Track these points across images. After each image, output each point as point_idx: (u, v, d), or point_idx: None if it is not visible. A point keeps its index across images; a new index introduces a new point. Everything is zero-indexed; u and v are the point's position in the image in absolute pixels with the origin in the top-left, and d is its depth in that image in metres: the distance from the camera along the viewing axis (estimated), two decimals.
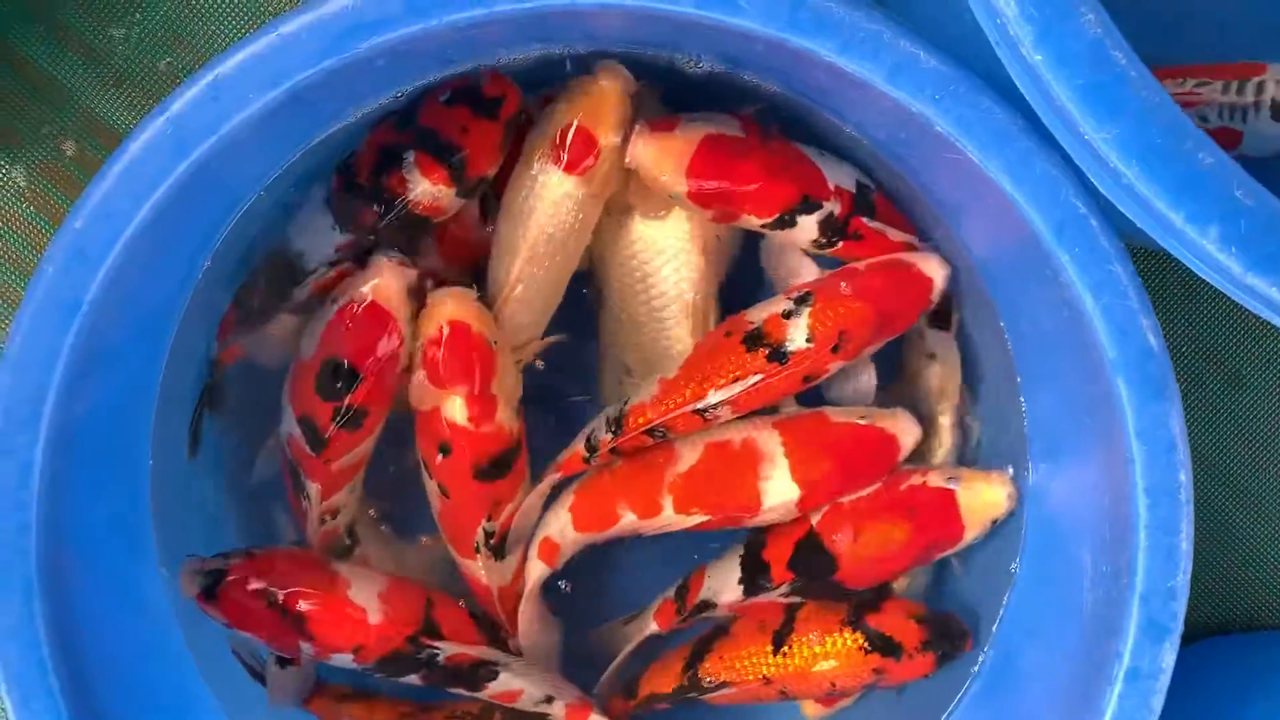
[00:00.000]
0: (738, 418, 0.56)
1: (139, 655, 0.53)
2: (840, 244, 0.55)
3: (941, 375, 0.58)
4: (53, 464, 0.46)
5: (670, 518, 0.56)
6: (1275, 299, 0.40)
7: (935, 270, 0.55)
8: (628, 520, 0.56)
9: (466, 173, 0.52)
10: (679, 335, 0.58)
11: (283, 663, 0.57)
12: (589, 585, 0.61)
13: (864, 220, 0.54)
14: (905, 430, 0.56)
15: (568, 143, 0.53)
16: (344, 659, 0.55)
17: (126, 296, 0.47)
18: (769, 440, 0.55)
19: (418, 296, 0.54)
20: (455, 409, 0.54)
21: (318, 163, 0.53)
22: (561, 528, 0.57)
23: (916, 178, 0.54)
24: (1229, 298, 0.66)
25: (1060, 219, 0.45)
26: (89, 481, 0.50)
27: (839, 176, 0.54)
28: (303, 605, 0.54)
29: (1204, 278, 0.42)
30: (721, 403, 0.54)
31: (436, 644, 0.55)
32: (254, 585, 0.54)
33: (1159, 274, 0.68)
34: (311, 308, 0.55)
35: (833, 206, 0.54)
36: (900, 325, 0.56)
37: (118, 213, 0.45)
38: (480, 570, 0.58)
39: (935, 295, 0.56)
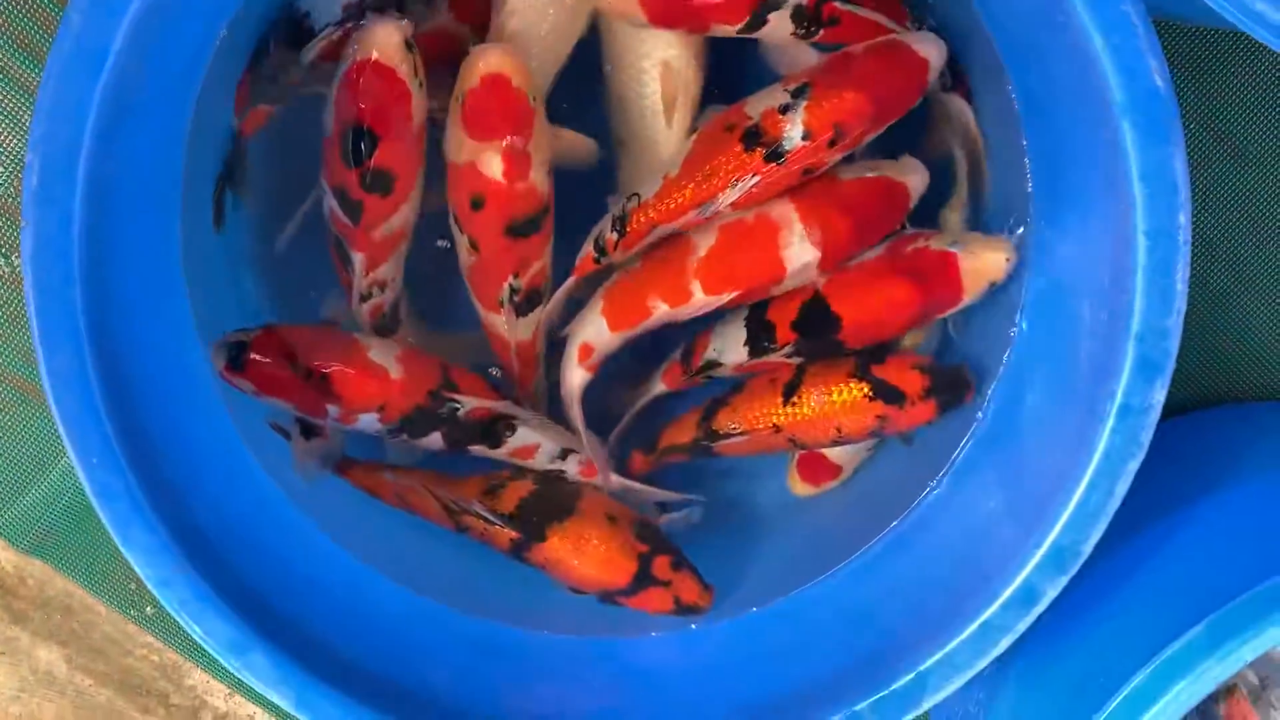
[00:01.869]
0: None
1: (184, 414, 0.56)
2: (820, 31, 0.55)
3: (959, 134, 0.59)
4: (91, 217, 0.48)
5: (701, 300, 0.57)
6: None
7: (930, 51, 0.55)
8: (661, 310, 0.58)
9: None
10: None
11: (307, 433, 0.60)
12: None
13: (836, 4, 0.54)
14: (913, 175, 0.57)
15: None
16: (370, 419, 0.58)
17: (150, 51, 0.48)
18: (782, 209, 0.57)
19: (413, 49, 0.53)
20: (491, 163, 0.54)
21: None
22: (597, 330, 0.59)
23: None
24: (1239, 75, 0.68)
25: None
26: (126, 241, 0.51)
27: None
28: (325, 367, 0.56)
29: (1217, 9, 0.42)
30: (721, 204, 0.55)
31: (456, 397, 0.58)
32: (277, 352, 0.56)
33: (1170, 50, 0.67)
34: (322, 69, 0.55)
35: None
36: (899, 110, 0.56)
37: None
38: (502, 325, 0.60)
39: (931, 76, 0.56)
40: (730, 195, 0.55)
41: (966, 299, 0.58)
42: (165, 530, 0.51)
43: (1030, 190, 0.57)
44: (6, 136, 0.68)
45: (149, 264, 0.54)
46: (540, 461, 0.61)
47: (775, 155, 0.54)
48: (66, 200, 0.47)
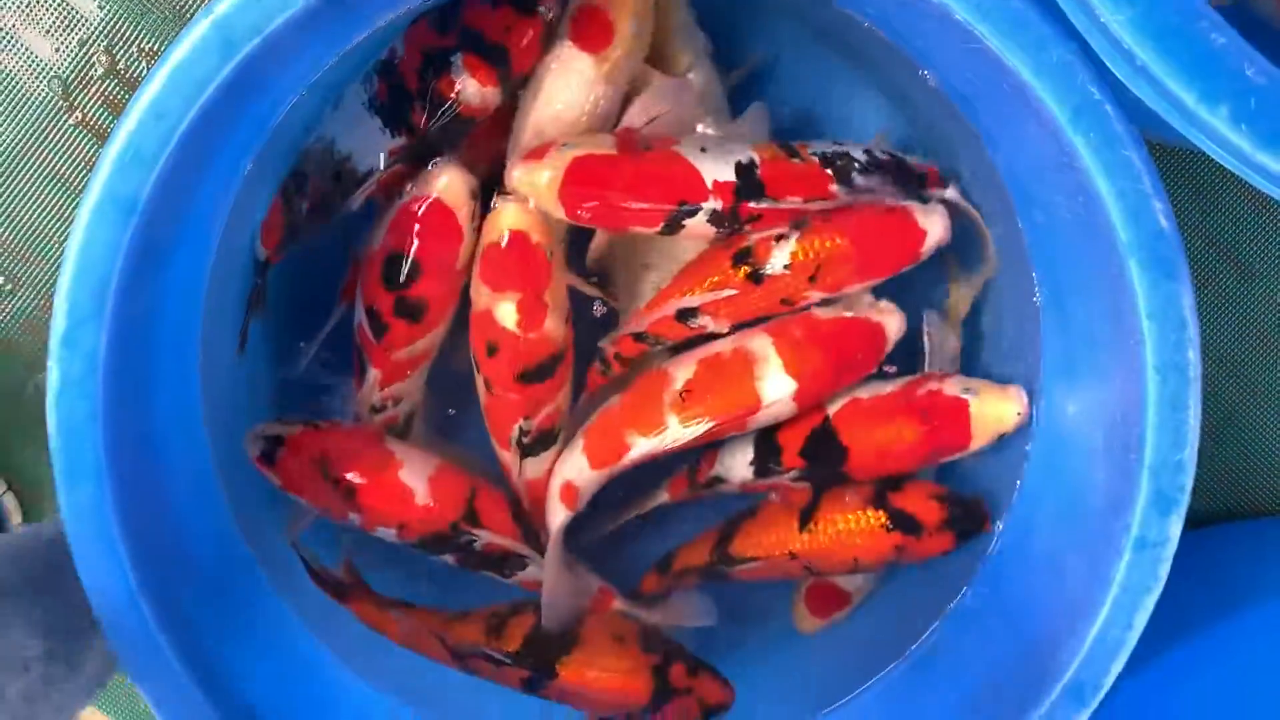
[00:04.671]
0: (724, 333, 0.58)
1: (198, 534, 0.56)
2: (745, 226, 0.56)
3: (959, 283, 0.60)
4: (116, 356, 0.49)
5: (678, 432, 0.58)
6: None
7: (932, 224, 0.57)
8: (639, 445, 0.59)
9: (512, 72, 0.54)
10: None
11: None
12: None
13: (751, 204, 0.55)
14: (890, 318, 0.58)
15: (583, 24, 0.54)
16: (388, 533, 0.59)
17: (178, 196, 0.49)
18: (759, 342, 0.58)
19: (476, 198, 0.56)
20: (506, 313, 0.56)
21: (353, 65, 0.55)
22: (579, 469, 0.60)
23: (934, 70, 0.55)
24: (1241, 192, 0.69)
25: (1076, 104, 0.47)
26: (147, 373, 0.52)
27: (718, 170, 0.55)
28: (355, 478, 0.57)
29: (1217, 160, 0.43)
30: (700, 310, 0.56)
31: (475, 531, 0.58)
32: (311, 453, 0.57)
33: (1174, 171, 0.69)
34: (365, 209, 0.57)
35: (714, 204, 0.55)
36: (885, 270, 0.58)
37: (169, 113, 0.46)
38: (513, 463, 0.60)
39: (927, 250, 0.57)
40: (706, 298, 0.56)
41: (974, 446, 0.58)
42: (182, 667, 0.51)
43: (1040, 321, 0.57)
44: (36, 260, 0.69)
45: (170, 396, 0.55)
46: None
47: (756, 276, 0.56)
48: (92, 343, 0.48)
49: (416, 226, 0.55)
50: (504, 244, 0.54)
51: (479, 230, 0.56)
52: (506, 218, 0.55)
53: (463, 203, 0.55)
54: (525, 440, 0.60)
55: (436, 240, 0.55)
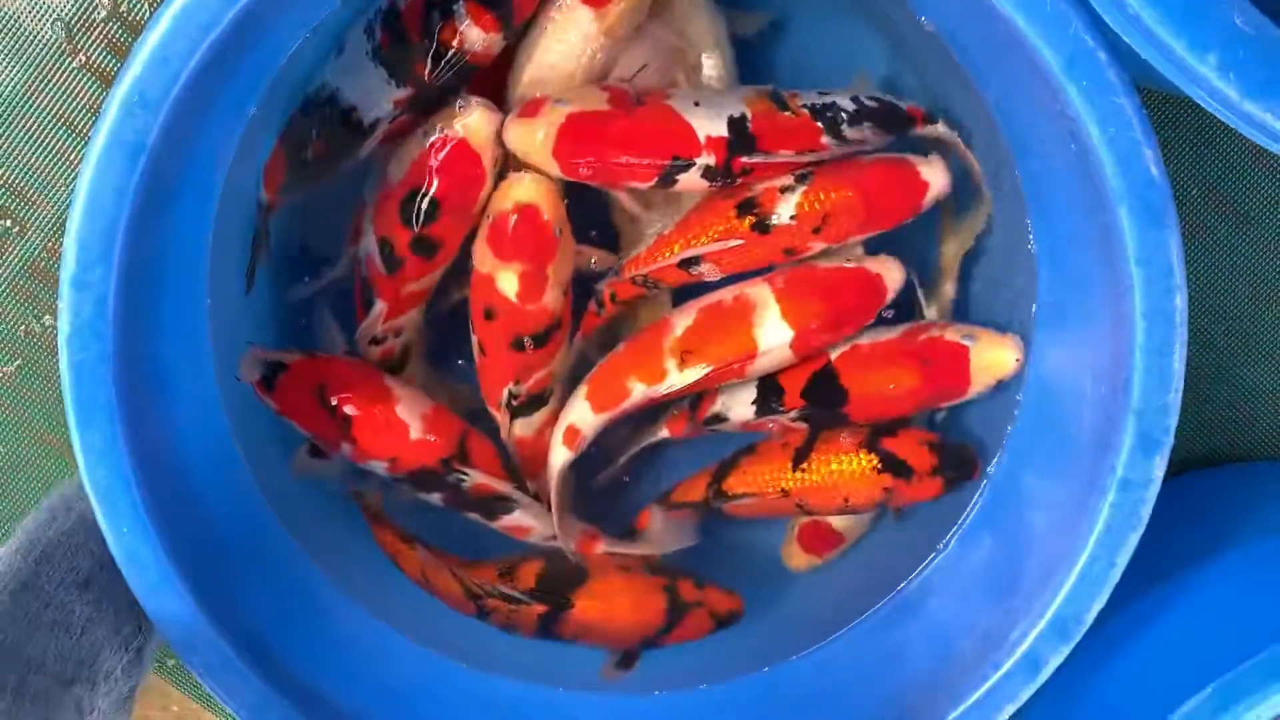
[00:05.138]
0: (722, 279, 0.59)
1: (208, 473, 0.58)
2: (739, 180, 0.56)
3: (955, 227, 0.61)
4: (125, 298, 0.50)
5: (676, 378, 0.59)
6: (1270, 125, 0.42)
7: (934, 176, 0.57)
8: (639, 391, 0.60)
9: (514, 17, 0.54)
10: None
11: (314, 451, 0.61)
12: None
13: (743, 159, 0.56)
14: (890, 272, 0.59)
15: None
16: (377, 465, 0.60)
17: (183, 138, 0.50)
18: (759, 291, 0.59)
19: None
20: (508, 282, 0.57)
21: (355, 8, 0.55)
22: (581, 413, 0.61)
23: (931, 17, 0.56)
24: (1237, 140, 0.69)
25: (1070, 53, 0.47)
26: (156, 314, 0.53)
27: (711, 124, 0.55)
28: (350, 410, 0.58)
29: (1207, 109, 0.44)
30: (703, 258, 0.57)
31: (465, 470, 0.60)
32: (309, 383, 0.58)
33: (1170, 118, 0.70)
34: (373, 159, 0.58)
35: (706, 159, 0.55)
36: (890, 220, 0.58)
37: (174, 56, 0.47)
38: (502, 422, 0.62)
39: (929, 200, 0.58)
40: (711, 248, 0.57)
41: (972, 392, 0.59)
42: (192, 597, 0.52)
43: (1036, 271, 0.58)
44: (42, 203, 0.70)
45: (179, 336, 0.56)
46: (534, 539, 0.63)
47: (762, 226, 0.57)
48: (102, 285, 0.49)
49: (440, 166, 0.55)
50: (514, 215, 0.55)
51: (500, 174, 0.56)
52: (519, 190, 0.55)
53: (488, 146, 0.55)
54: (515, 403, 0.61)
55: (460, 182, 0.56)
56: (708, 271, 0.59)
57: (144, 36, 0.47)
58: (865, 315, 0.60)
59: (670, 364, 0.59)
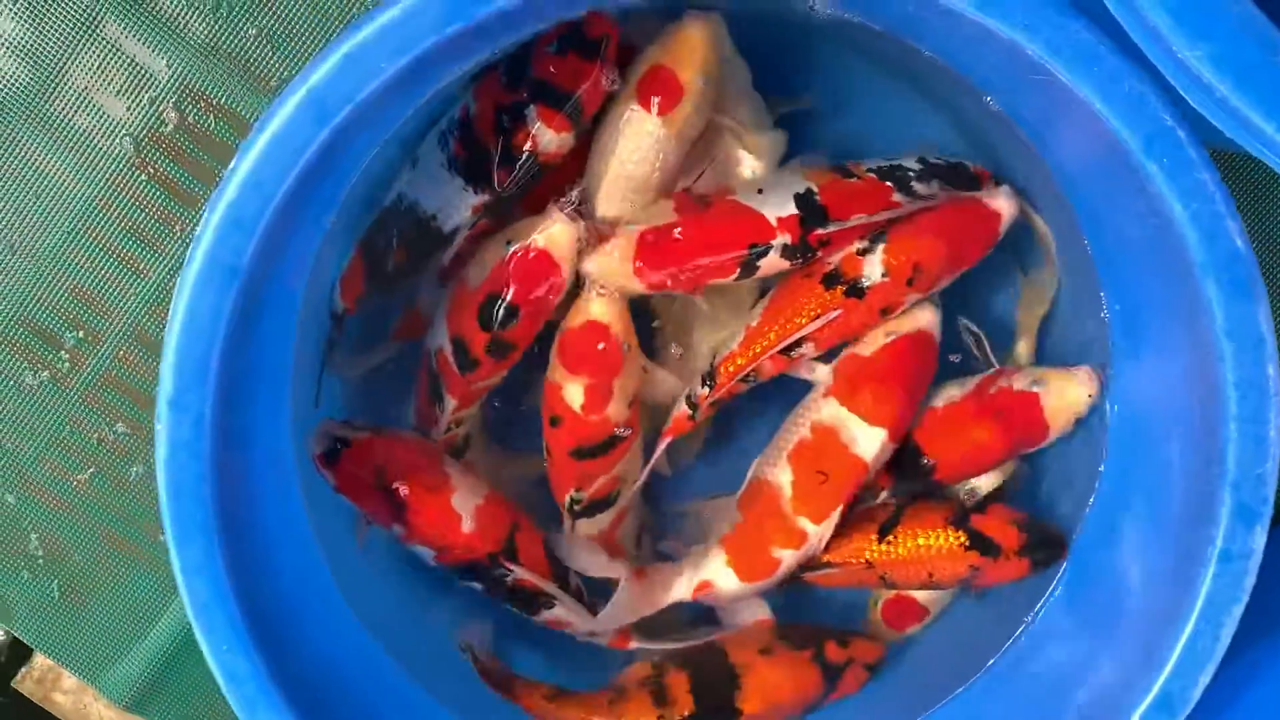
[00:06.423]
0: (815, 358, 0.60)
1: (305, 595, 0.58)
2: (818, 253, 0.57)
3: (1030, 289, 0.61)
4: (220, 416, 0.50)
5: (816, 530, 0.60)
6: None
7: (1003, 205, 0.58)
8: (788, 558, 0.61)
9: (583, 116, 0.55)
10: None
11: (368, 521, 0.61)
12: None
13: (819, 231, 0.57)
14: (928, 321, 0.59)
15: (653, 84, 0.56)
16: (425, 552, 0.60)
17: (272, 256, 0.51)
18: (831, 411, 0.59)
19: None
20: (574, 393, 0.58)
21: (425, 116, 0.57)
22: (728, 581, 0.61)
23: (998, 96, 0.56)
24: None
25: (1149, 132, 0.48)
26: (249, 430, 0.54)
27: (779, 207, 0.56)
28: (408, 495, 0.58)
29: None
30: (804, 339, 0.58)
31: (511, 566, 0.60)
32: (371, 462, 0.58)
33: (1232, 176, 0.70)
34: (452, 266, 0.59)
35: (783, 239, 0.56)
36: (971, 257, 0.59)
37: (267, 180, 0.48)
38: (566, 521, 0.63)
39: (1004, 228, 0.59)
40: (813, 326, 0.58)
41: (1053, 435, 0.60)
42: (291, 713, 0.52)
43: (1109, 335, 0.58)
44: (114, 312, 0.71)
45: (268, 452, 0.56)
46: (574, 632, 0.63)
47: (856, 291, 0.58)
48: (199, 405, 0.49)
49: (522, 271, 0.56)
50: (584, 332, 0.57)
51: (577, 282, 0.58)
52: (592, 308, 0.57)
53: (568, 257, 0.56)
54: (576, 508, 0.62)
55: (539, 290, 0.57)
56: (807, 350, 0.59)
57: (237, 161, 0.48)
58: (930, 373, 0.61)
59: (803, 522, 0.60)
